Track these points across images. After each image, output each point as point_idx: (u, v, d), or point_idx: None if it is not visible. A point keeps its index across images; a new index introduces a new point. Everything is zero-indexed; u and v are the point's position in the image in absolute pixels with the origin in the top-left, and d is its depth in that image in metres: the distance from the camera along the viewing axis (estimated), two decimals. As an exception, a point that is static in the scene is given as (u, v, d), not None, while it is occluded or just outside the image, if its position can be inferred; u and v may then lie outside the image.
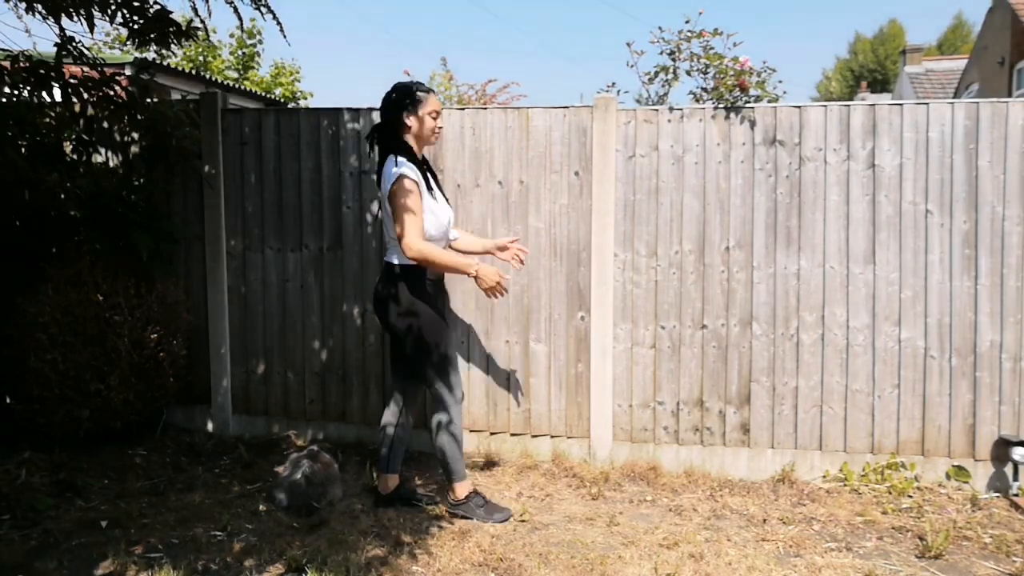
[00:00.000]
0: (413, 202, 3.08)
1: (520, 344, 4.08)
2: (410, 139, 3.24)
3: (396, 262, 3.20)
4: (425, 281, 3.21)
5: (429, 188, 3.20)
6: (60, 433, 3.77)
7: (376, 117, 4.13)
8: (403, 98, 3.21)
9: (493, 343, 4.11)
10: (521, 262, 3.41)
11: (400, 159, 3.13)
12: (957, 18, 39.94)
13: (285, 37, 4.29)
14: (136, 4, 3.79)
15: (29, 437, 3.79)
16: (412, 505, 3.40)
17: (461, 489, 3.31)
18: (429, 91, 3.27)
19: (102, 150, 4.31)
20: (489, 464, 3.98)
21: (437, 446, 3.29)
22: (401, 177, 3.07)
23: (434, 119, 3.25)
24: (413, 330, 3.19)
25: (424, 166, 3.25)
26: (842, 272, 3.80)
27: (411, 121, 3.21)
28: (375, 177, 3.42)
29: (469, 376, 4.13)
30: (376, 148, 3.30)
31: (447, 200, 3.35)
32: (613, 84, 4.16)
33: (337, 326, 4.23)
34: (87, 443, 3.86)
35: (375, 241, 4.17)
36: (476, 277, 3.13)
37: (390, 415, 3.44)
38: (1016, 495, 3.62)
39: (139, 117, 4.06)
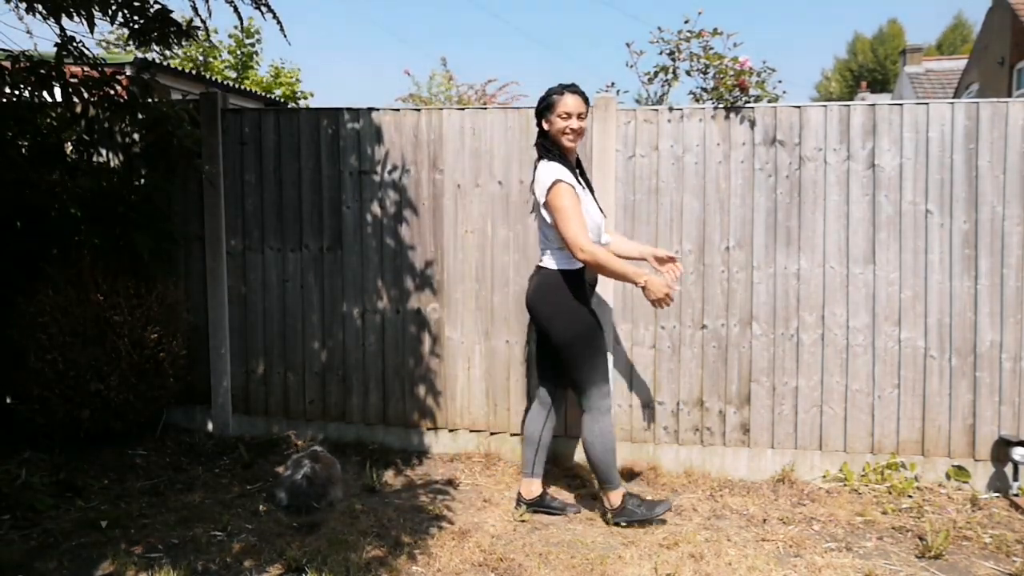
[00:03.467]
0: (572, 205, 3.09)
1: (520, 344, 4.08)
2: (556, 143, 3.26)
3: (553, 266, 3.22)
4: (581, 285, 3.22)
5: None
6: (60, 433, 3.77)
7: (376, 117, 4.15)
8: (539, 105, 3.28)
9: (493, 343, 4.11)
10: (676, 279, 3.32)
11: (552, 164, 3.17)
12: (957, 18, 39.97)
13: (285, 36, 4.28)
14: (136, 4, 3.79)
15: (29, 437, 3.79)
16: (553, 513, 3.37)
17: (615, 497, 3.29)
18: (564, 91, 3.22)
19: (103, 150, 4.31)
20: (489, 464, 3.98)
21: (590, 455, 3.27)
22: (557, 182, 3.10)
23: (564, 120, 3.19)
24: (568, 334, 3.18)
25: (576, 170, 3.28)
26: (842, 272, 3.80)
27: (547, 125, 3.26)
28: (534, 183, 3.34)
29: (469, 376, 4.14)
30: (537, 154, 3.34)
31: (599, 205, 3.36)
32: (613, 84, 4.17)
33: (337, 326, 4.24)
34: (87, 443, 3.86)
35: (375, 241, 4.17)
36: (644, 288, 3.09)
37: (536, 417, 3.40)
38: (1016, 495, 3.63)
39: (140, 117, 4.06)
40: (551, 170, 3.15)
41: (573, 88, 3.25)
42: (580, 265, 3.18)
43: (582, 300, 3.23)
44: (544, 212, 3.20)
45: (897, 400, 3.79)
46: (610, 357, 3.97)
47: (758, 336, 3.87)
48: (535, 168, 3.29)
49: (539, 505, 3.38)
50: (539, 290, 3.27)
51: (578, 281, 3.22)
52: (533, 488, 3.39)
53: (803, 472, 3.85)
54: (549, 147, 3.25)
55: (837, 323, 3.81)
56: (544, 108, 3.26)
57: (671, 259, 3.37)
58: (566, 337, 3.20)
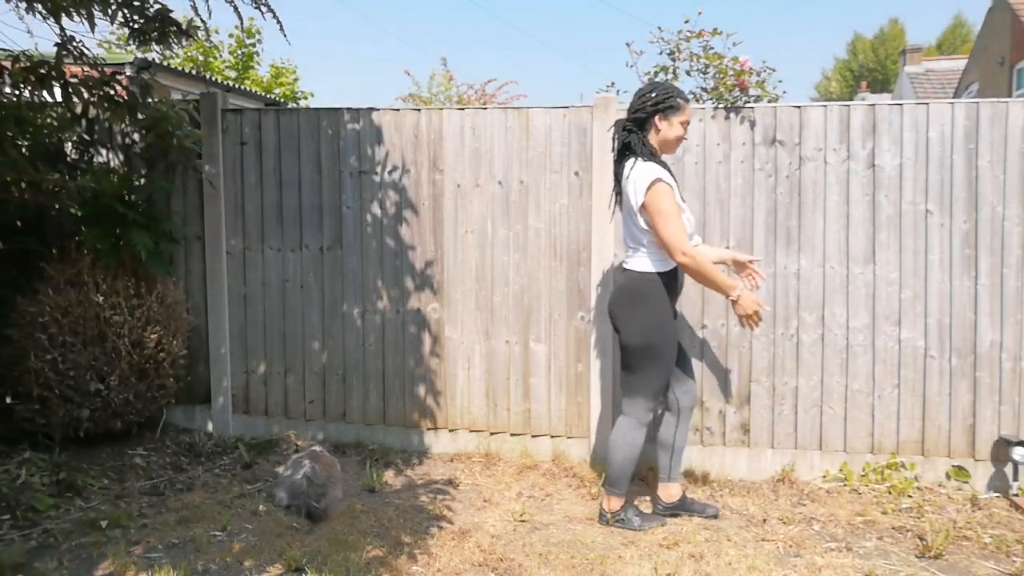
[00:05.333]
0: (672, 207, 3.03)
1: (520, 344, 4.08)
2: (653, 141, 3.19)
3: (638, 268, 3.15)
4: (668, 289, 3.15)
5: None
6: (60, 433, 3.77)
7: (376, 117, 4.15)
8: (663, 99, 3.15)
9: (493, 343, 4.11)
10: (756, 286, 3.35)
11: (651, 164, 3.10)
12: (957, 18, 40.00)
13: (285, 36, 4.28)
14: (136, 4, 3.79)
15: (29, 437, 3.79)
16: (693, 514, 3.34)
17: (616, 502, 3.28)
18: (688, 101, 3.23)
19: (103, 150, 4.32)
20: (489, 464, 3.98)
21: (612, 456, 3.25)
22: (658, 181, 3.03)
23: (684, 129, 3.20)
24: (638, 340, 3.15)
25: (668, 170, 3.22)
26: (842, 272, 3.80)
27: (662, 124, 3.16)
28: (619, 176, 3.25)
29: (469, 376, 4.14)
30: (617, 141, 3.27)
31: (686, 206, 3.29)
32: (612, 84, 4.16)
33: (337, 326, 4.24)
34: (87, 443, 3.86)
35: (375, 241, 4.17)
36: (735, 302, 3.06)
37: (667, 421, 3.34)
38: (1016, 495, 3.62)
39: (140, 117, 4.05)
40: (650, 170, 3.06)
41: (689, 98, 3.27)
42: (670, 267, 3.13)
43: (664, 307, 3.14)
44: (638, 213, 3.10)
45: (897, 400, 3.79)
46: (605, 360, 3.98)
47: (758, 336, 3.87)
48: (624, 165, 3.20)
49: (680, 508, 3.36)
50: (621, 293, 3.20)
51: (664, 285, 3.14)
52: (672, 492, 3.36)
53: (803, 472, 3.85)
54: (650, 147, 3.17)
55: (837, 323, 3.81)
56: (667, 108, 3.14)
57: (750, 263, 3.36)
58: (636, 342, 3.15)
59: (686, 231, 3.06)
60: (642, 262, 3.15)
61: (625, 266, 3.24)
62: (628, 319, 3.17)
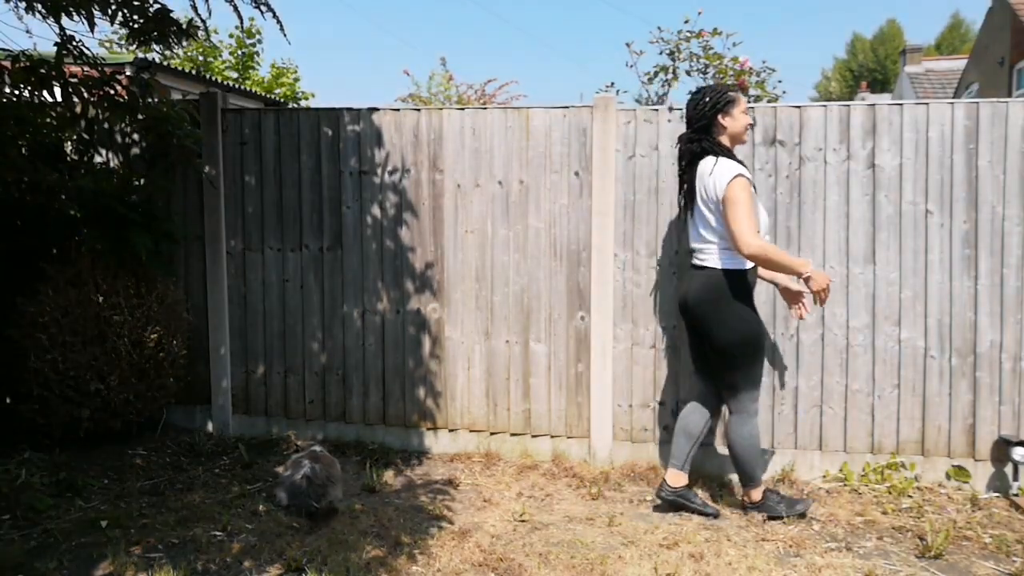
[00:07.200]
0: (749, 201, 3.11)
1: (520, 344, 4.08)
2: (724, 140, 3.28)
3: (719, 266, 3.21)
4: (746, 285, 3.21)
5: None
6: (60, 433, 3.77)
7: (376, 118, 4.14)
8: (718, 99, 3.26)
9: (493, 343, 4.11)
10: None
11: (728, 160, 3.17)
12: (954, 18, 40.02)
13: (285, 36, 4.27)
14: (136, 3, 3.79)
15: (29, 437, 3.79)
16: (692, 509, 3.37)
17: (756, 494, 3.35)
18: (737, 90, 3.33)
19: (102, 150, 4.32)
20: (489, 464, 3.98)
21: (735, 453, 3.31)
22: (739, 176, 3.11)
23: (747, 115, 3.32)
24: (734, 338, 3.20)
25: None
26: (842, 272, 3.80)
27: (727, 122, 3.27)
28: (699, 180, 3.26)
29: (469, 376, 4.14)
30: (686, 152, 3.33)
31: (761, 208, 3.34)
32: (612, 84, 4.19)
33: (337, 326, 4.24)
34: (87, 443, 3.86)
35: (375, 241, 4.17)
36: (808, 278, 3.11)
37: (698, 413, 3.40)
38: (1016, 495, 3.62)
39: (140, 117, 4.05)
40: (732, 166, 3.15)
41: (737, 87, 3.39)
42: (749, 266, 3.19)
43: (750, 303, 3.22)
44: (719, 208, 3.16)
45: (897, 400, 3.79)
46: (604, 360, 3.98)
47: (758, 336, 3.86)
48: (698, 167, 3.26)
49: (683, 497, 3.38)
50: (706, 291, 3.23)
51: (746, 282, 3.21)
52: (682, 480, 3.39)
53: (803, 472, 3.85)
54: (725, 147, 3.25)
55: (837, 323, 3.81)
56: (726, 103, 3.26)
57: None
58: (732, 340, 3.20)
59: (755, 223, 3.11)
60: (719, 259, 3.21)
61: (702, 263, 3.28)
62: (717, 320, 3.21)
